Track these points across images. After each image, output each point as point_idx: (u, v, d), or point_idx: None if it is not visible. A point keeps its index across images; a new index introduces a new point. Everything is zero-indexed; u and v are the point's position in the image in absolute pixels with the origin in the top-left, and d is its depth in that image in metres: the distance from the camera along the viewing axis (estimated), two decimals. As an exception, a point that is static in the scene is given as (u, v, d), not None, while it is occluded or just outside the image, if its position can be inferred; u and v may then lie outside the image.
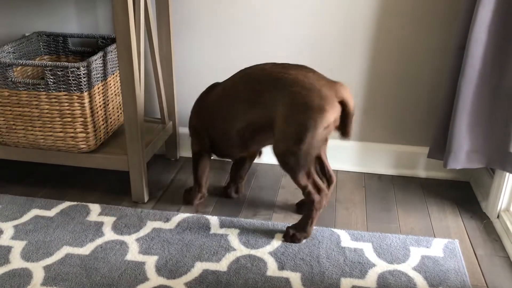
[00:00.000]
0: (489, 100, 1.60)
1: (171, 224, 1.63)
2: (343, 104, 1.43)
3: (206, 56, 1.94)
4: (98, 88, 1.70)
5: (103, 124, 1.75)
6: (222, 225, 1.64)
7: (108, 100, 1.77)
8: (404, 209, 1.75)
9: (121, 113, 1.90)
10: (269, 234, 1.60)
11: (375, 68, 1.86)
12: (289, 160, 1.45)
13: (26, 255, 1.48)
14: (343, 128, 1.46)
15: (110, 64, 1.77)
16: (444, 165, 1.69)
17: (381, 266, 1.46)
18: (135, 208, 1.72)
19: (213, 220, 1.66)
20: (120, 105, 1.89)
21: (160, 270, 1.43)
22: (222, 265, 1.45)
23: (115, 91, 1.83)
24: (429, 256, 1.51)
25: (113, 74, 1.81)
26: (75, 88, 1.61)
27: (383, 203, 1.79)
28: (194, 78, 1.98)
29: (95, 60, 1.66)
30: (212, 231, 1.60)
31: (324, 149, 1.62)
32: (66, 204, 1.73)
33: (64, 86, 1.61)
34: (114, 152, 1.74)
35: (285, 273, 1.43)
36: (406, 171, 1.98)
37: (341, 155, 1.99)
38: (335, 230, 1.62)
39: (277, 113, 1.44)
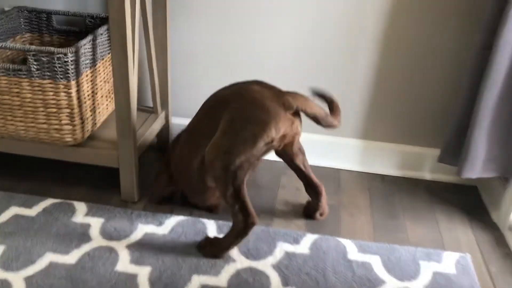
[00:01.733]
0: (511, 106, 1.50)
1: (164, 229, 1.50)
2: (299, 112, 1.35)
3: (203, 42, 1.78)
4: (87, 75, 1.54)
5: (91, 115, 1.59)
6: (220, 230, 1.52)
7: (97, 88, 1.61)
8: (411, 217, 1.66)
9: (110, 101, 1.74)
10: (271, 242, 1.48)
11: (385, 63, 1.73)
12: (217, 171, 1.31)
13: (5, 263, 1.33)
14: (327, 125, 1.40)
15: (100, 49, 1.60)
16: (458, 173, 1.59)
17: (390, 284, 1.37)
18: (124, 208, 1.58)
19: (210, 225, 1.54)
20: (109, 93, 1.72)
21: (154, 284, 1.31)
22: (221, 280, 1.34)
23: (104, 78, 1.67)
24: (441, 273, 1.42)
25: (103, 59, 1.64)
26: (61, 76, 1.45)
27: (389, 208, 1.69)
28: (190, 65, 1.83)
29: (84, 45, 1.49)
30: (209, 238, 1.49)
31: (303, 160, 1.53)
32: (49, 201, 1.58)
33: (49, 74, 1.44)
34: (103, 147, 1.59)
35: (290, 290, 1.33)
36: (410, 173, 1.88)
37: (343, 153, 1.88)
38: (341, 239, 1.52)
39: (219, 127, 1.34)
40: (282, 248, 1.47)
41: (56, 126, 1.52)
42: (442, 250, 1.51)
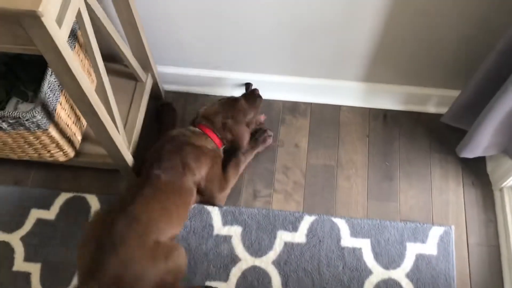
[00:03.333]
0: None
1: (174, 225, 1.64)
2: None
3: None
4: (61, 104, 1.41)
5: (77, 127, 1.53)
6: (225, 221, 1.65)
7: (74, 99, 1.49)
8: (407, 174, 1.71)
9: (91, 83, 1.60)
10: (271, 231, 1.63)
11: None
12: None
13: (45, 284, 1.56)
14: None
15: (64, 63, 1.41)
16: (457, 152, 1.57)
17: (376, 274, 1.57)
18: (133, 198, 1.68)
19: (215, 214, 1.66)
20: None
21: (174, 293, 1.56)
22: (230, 286, 1.56)
23: (78, 77, 1.51)
24: (423, 255, 1.59)
25: (71, 64, 1.45)
26: (36, 128, 1.36)
27: (386, 166, 1.73)
28: (163, 15, 1.58)
29: (48, 85, 1.33)
30: (215, 232, 1.63)
31: None
32: (63, 197, 1.68)
33: (22, 128, 1.35)
34: (97, 153, 1.58)
35: (289, 292, 1.56)
36: (414, 107, 1.81)
37: (347, 93, 1.77)
38: (335, 220, 1.64)
39: None
40: (282, 239, 1.62)
41: (47, 154, 1.50)
42: (429, 223, 1.64)
